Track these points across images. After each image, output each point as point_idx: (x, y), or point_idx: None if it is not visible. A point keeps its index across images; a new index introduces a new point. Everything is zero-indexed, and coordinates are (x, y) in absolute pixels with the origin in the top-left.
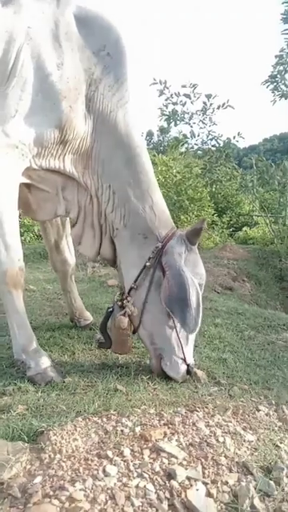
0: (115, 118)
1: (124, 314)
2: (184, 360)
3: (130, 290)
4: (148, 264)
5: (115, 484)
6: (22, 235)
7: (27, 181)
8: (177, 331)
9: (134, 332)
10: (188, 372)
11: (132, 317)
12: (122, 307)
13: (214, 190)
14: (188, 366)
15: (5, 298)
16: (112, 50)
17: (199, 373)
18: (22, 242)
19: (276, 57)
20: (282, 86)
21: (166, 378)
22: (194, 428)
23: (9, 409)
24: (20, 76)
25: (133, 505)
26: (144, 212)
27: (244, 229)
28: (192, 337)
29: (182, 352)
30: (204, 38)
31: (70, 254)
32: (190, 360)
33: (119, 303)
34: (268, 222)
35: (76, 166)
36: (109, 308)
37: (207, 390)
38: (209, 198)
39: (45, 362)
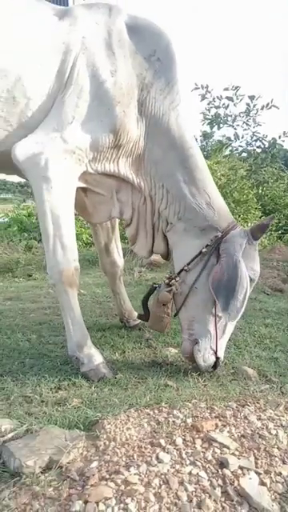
0: (168, 120)
1: (169, 291)
2: (215, 352)
3: (180, 272)
4: (204, 250)
5: (168, 470)
6: None
7: (84, 185)
8: (216, 321)
9: (176, 314)
10: (214, 365)
11: (176, 297)
12: (169, 285)
13: (260, 191)
14: (217, 359)
15: (61, 297)
16: (162, 55)
17: (250, 371)
18: None
19: None
20: None
21: (192, 362)
22: (246, 421)
23: (64, 402)
24: (76, 84)
25: (186, 490)
26: (201, 208)
27: None
28: (228, 330)
29: (216, 343)
30: (245, 39)
31: (118, 256)
32: (221, 354)
33: (167, 281)
34: None
35: (130, 168)
36: (154, 284)
37: (258, 387)
38: (255, 200)
39: (98, 358)
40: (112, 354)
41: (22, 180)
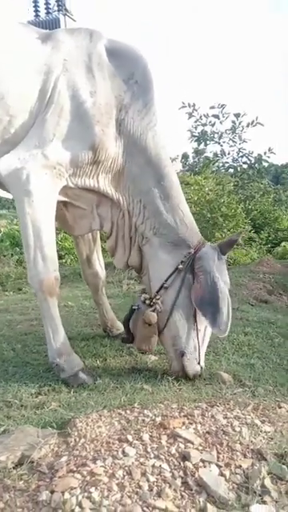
0: (145, 139)
1: (153, 311)
2: (198, 362)
3: (160, 289)
4: (180, 267)
5: (133, 463)
6: (62, 258)
7: (64, 199)
8: (197, 334)
9: (159, 332)
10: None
11: (159, 315)
12: (150, 305)
13: (248, 206)
14: (201, 368)
15: (41, 306)
16: (140, 78)
17: (225, 376)
18: (62, 264)
19: None
20: None
21: (185, 377)
22: (213, 419)
23: (43, 405)
24: (57, 103)
25: (148, 480)
26: (176, 224)
27: (283, 244)
28: (206, 341)
29: (199, 354)
30: (230, 59)
31: (100, 268)
32: (202, 363)
33: (147, 301)
34: None
35: (109, 184)
36: (133, 306)
37: (231, 390)
38: (244, 215)
39: (77, 365)
40: (93, 361)
41: None
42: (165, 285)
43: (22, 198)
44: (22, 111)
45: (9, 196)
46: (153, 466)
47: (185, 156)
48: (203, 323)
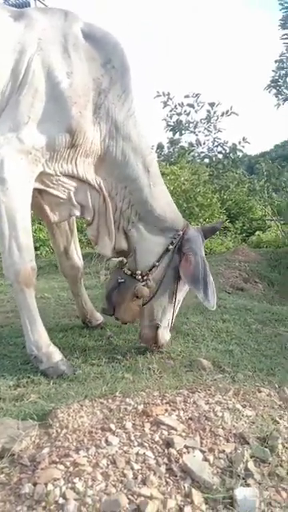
0: (128, 125)
1: (145, 286)
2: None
3: (152, 267)
4: (170, 248)
5: (116, 452)
6: (37, 249)
7: (41, 186)
8: (175, 306)
9: (143, 305)
10: None
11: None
12: (141, 280)
13: (223, 196)
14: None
15: (18, 297)
16: (117, 64)
17: (204, 362)
18: (38, 255)
19: (276, 61)
20: (286, 90)
21: (151, 345)
22: (195, 405)
23: (22, 398)
24: (31, 84)
25: (132, 468)
26: (162, 209)
27: (257, 233)
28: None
29: (169, 326)
30: (204, 47)
31: (78, 259)
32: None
33: (139, 277)
34: (279, 224)
35: (88, 169)
36: (119, 279)
37: (212, 376)
38: (219, 205)
39: (56, 356)
40: (73, 352)
41: None
42: (156, 264)
43: None
44: None
45: None
46: (137, 453)
47: (160, 146)
48: (179, 300)
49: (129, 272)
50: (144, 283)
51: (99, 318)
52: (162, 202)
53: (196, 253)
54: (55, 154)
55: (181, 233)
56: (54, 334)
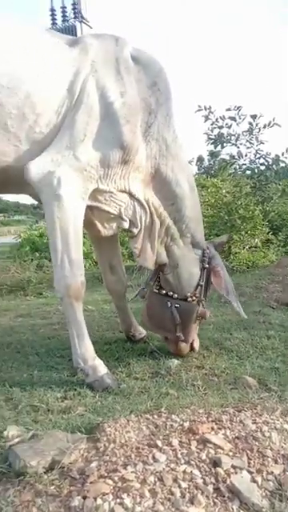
0: (175, 145)
1: (203, 306)
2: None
3: (197, 287)
4: (206, 266)
5: (163, 469)
6: None
7: (94, 203)
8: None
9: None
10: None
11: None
12: (197, 301)
13: (266, 208)
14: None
15: (67, 310)
16: (162, 87)
17: (250, 380)
18: None
19: None
20: None
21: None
22: (241, 424)
23: (69, 410)
24: (87, 103)
25: (180, 486)
26: (197, 227)
27: None
28: None
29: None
30: (246, 58)
31: (123, 274)
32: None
33: (191, 299)
34: None
35: (139, 185)
36: (170, 304)
37: (258, 394)
38: (262, 217)
39: (102, 369)
40: (117, 365)
41: (35, 202)
42: (201, 283)
43: (52, 202)
44: (48, 110)
45: (27, 202)
46: (184, 471)
47: (200, 159)
48: None
49: (175, 295)
50: (200, 304)
51: (142, 331)
52: (198, 219)
53: (223, 267)
54: (109, 170)
55: (208, 250)
56: (99, 346)
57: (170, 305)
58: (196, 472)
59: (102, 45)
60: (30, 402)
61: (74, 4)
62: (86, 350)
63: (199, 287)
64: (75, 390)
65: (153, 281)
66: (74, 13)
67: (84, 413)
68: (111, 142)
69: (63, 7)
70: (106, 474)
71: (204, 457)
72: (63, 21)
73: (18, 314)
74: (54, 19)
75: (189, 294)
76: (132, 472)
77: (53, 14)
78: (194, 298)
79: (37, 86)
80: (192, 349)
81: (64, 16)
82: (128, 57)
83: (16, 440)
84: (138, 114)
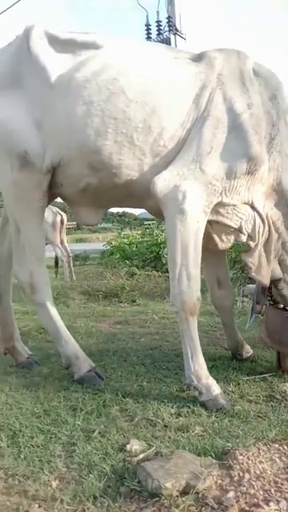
0: None
1: None
2: None
3: None
4: None
5: None
6: None
7: (215, 217)
8: None
9: None
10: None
11: None
12: None
13: None
14: None
15: (182, 325)
16: (281, 100)
17: None
18: None
19: None
20: None
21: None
22: None
23: (187, 428)
24: (213, 116)
25: None
26: None
27: None
28: None
29: None
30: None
31: (230, 289)
32: None
33: None
34: None
35: (260, 198)
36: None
37: None
38: None
39: (215, 388)
40: (227, 385)
41: (120, 210)
42: None
43: (176, 216)
44: (173, 123)
45: (113, 210)
46: None
47: None
48: None
49: None
50: None
51: (249, 350)
52: None
53: None
54: (235, 181)
55: None
56: None
57: None
58: None
59: (226, 58)
60: (145, 416)
61: (168, 18)
62: (200, 368)
63: None
64: (188, 407)
65: (265, 296)
66: (169, 26)
67: (203, 433)
68: (239, 154)
69: (158, 21)
70: (247, 508)
71: None
72: (158, 34)
73: (116, 321)
74: (148, 33)
75: None
76: (276, 510)
77: (148, 29)
78: None
79: (164, 99)
80: None
81: (159, 30)
82: (251, 70)
83: (141, 456)
84: (263, 127)
